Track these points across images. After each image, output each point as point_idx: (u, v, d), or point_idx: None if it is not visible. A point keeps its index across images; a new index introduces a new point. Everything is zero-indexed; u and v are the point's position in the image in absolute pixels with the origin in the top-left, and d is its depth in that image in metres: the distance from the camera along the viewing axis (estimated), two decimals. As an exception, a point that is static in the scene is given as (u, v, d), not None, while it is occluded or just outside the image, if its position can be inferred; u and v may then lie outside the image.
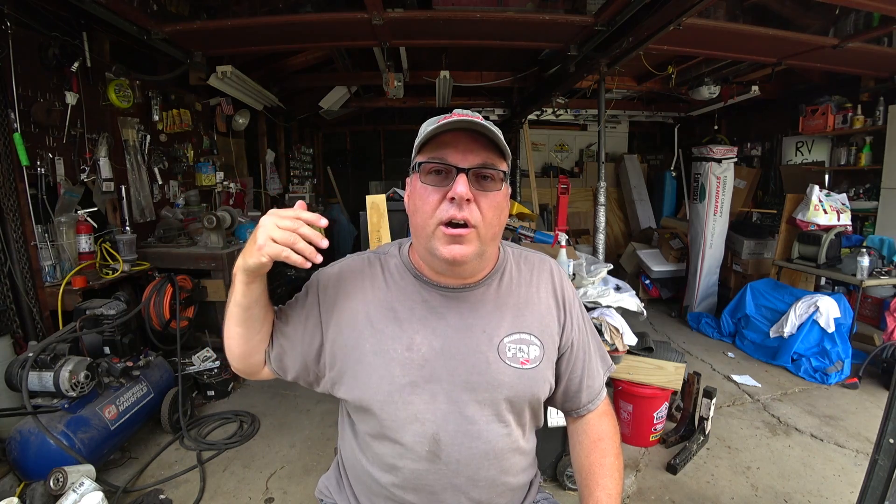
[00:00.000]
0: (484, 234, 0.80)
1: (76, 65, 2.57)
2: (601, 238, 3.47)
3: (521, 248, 1.00)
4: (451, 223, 0.77)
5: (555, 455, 2.16)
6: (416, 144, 0.83)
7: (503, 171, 0.82)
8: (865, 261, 3.15)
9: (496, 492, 0.89)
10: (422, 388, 0.83)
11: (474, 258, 0.81)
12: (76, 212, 2.56)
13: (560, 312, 0.94)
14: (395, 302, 0.87)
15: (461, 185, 0.76)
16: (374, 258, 0.93)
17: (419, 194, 0.81)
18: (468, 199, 0.77)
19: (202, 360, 2.99)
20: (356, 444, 0.93)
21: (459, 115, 0.81)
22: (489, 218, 0.80)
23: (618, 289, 3.07)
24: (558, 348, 0.94)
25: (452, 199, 0.77)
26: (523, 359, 0.87)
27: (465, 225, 0.78)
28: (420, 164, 0.81)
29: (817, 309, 3.25)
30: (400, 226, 2.83)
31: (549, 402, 0.99)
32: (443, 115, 0.83)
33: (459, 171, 0.77)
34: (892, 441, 0.97)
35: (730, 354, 3.69)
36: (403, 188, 1.06)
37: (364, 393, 0.85)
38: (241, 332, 0.87)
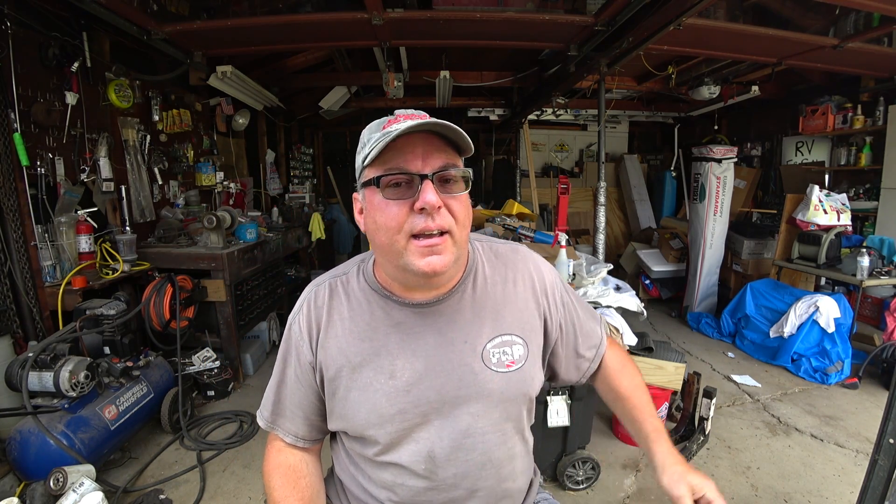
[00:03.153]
0: (459, 238, 0.76)
1: (76, 65, 2.57)
2: (601, 238, 3.48)
3: (491, 240, 0.95)
4: (422, 234, 0.72)
5: (555, 455, 2.16)
6: (364, 156, 0.75)
7: (465, 169, 0.77)
8: (865, 261, 3.15)
9: (495, 499, 0.88)
10: (411, 412, 0.81)
11: (452, 265, 0.77)
12: (76, 212, 2.56)
13: (540, 303, 0.90)
14: (367, 331, 0.83)
15: (430, 194, 0.71)
16: (335, 284, 0.88)
17: (380, 209, 0.74)
18: (439, 207, 0.72)
19: (202, 360, 2.99)
20: (351, 465, 0.92)
21: (406, 115, 0.75)
22: (461, 219, 0.75)
23: (618, 289, 3.07)
24: (546, 337, 0.92)
25: (422, 209, 0.71)
26: (508, 361, 0.84)
27: (439, 234, 0.73)
28: (378, 178, 0.73)
29: (817, 309, 3.25)
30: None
31: (566, 380, 1.00)
32: (385, 119, 0.76)
33: (423, 177, 0.71)
34: (892, 441, 0.97)
35: (730, 354, 3.69)
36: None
37: (355, 427, 0.84)
38: None
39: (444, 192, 0.74)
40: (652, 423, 0.94)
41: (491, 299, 0.86)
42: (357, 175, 0.80)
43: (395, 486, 0.84)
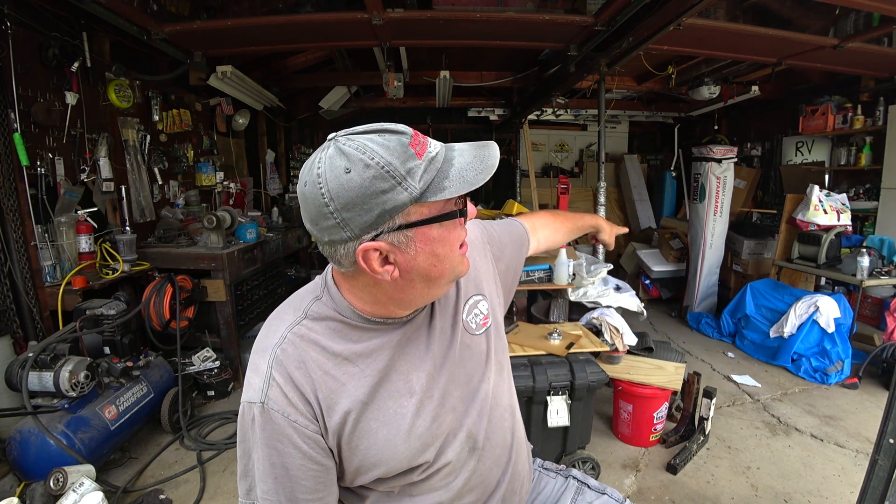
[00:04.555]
0: None
1: (76, 65, 2.57)
2: (601, 238, 3.47)
3: None
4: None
5: (555, 455, 2.16)
6: (415, 194, 0.63)
7: None
8: (865, 261, 3.15)
9: (522, 441, 0.95)
10: (443, 414, 0.81)
11: None
12: (76, 212, 2.56)
13: (480, 253, 0.96)
14: (369, 363, 0.76)
15: (471, 206, 0.73)
16: (302, 334, 0.75)
17: (442, 240, 0.69)
18: None
19: (202, 360, 2.99)
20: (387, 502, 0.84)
21: (417, 132, 0.67)
22: None
23: (618, 289, 3.07)
24: (497, 269, 0.98)
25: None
26: (482, 320, 0.90)
27: None
28: (460, 210, 0.70)
29: (817, 309, 3.25)
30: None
31: (518, 268, 1.09)
32: (399, 139, 0.64)
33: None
34: (892, 441, 0.97)
35: (730, 354, 3.69)
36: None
37: (399, 464, 0.77)
38: None
39: None
40: (586, 217, 1.34)
41: None
42: (380, 220, 0.64)
43: (449, 486, 0.83)
